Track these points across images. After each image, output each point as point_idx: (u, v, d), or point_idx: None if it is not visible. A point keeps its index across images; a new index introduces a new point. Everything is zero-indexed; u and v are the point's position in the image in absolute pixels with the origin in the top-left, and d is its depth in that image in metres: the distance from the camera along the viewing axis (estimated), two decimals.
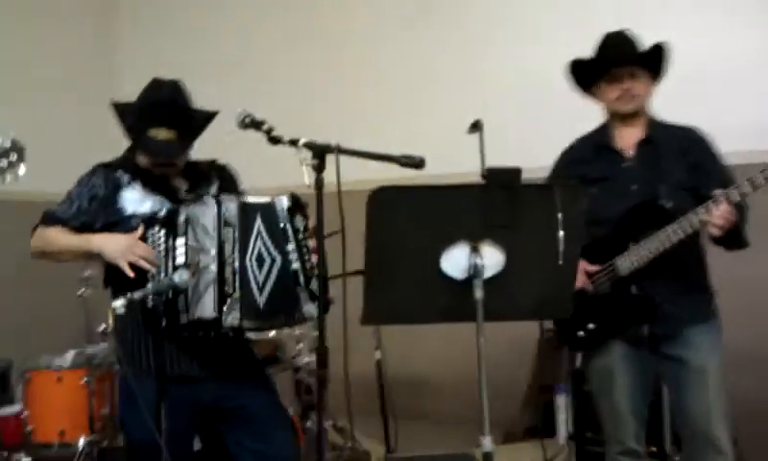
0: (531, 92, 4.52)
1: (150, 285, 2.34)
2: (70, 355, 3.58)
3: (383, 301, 2.16)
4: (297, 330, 3.86)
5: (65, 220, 2.55)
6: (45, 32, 5.25)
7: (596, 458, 3.53)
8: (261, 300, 2.45)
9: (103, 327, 3.64)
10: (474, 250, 2.14)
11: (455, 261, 2.15)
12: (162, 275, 2.40)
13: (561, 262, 2.12)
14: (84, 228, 2.55)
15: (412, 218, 2.12)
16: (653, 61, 2.87)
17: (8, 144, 2.33)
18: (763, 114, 3.76)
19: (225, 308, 2.41)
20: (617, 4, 4.25)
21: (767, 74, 3.89)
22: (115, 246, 2.46)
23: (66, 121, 5.23)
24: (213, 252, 2.44)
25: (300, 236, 2.50)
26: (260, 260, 2.46)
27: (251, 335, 2.80)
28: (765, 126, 3.69)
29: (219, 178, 2.74)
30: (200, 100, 2.66)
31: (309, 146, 2.21)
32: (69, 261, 2.65)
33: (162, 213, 2.48)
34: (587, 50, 2.90)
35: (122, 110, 2.60)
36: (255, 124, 2.39)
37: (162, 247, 2.44)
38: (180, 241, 2.44)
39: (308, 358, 3.90)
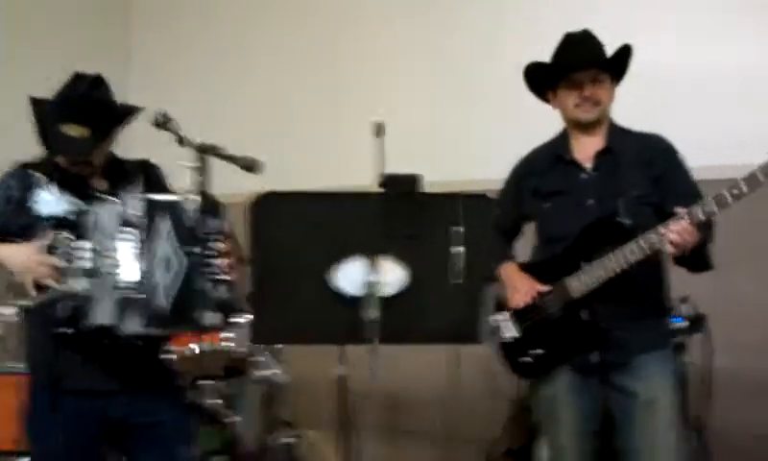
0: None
1: (45, 294, 2.23)
2: None
3: (274, 319, 2.00)
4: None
5: None
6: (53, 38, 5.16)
7: None
8: (167, 305, 2.31)
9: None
10: (372, 265, 1.96)
11: (351, 277, 1.97)
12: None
13: (461, 281, 1.91)
14: (1, 231, 2.43)
15: (300, 228, 1.95)
16: (617, 65, 2.64)
17: None
18: (736, 126, 3.44)
19: (125, 315, 2.27)
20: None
21: (742, 86, 3.56)
22: (17, 260, 2.33)
23: None
24: (114, 254, 2.30)
25: (210, 239, 2.35)
26: (167, 263, 2.32)
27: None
28: (738, 139, 3.36)
29: (145, 177, 2.60)
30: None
31: (201, 148, 2.07)
32: None
33: (71, 216, 2.35)
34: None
35: (39, 106, 2.48)
36: (166, 125, 2.31)
37: (70, 251, 2.32)
38: (87, 245, 2.31)
39: (273, 370, 3.74)
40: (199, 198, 2.38)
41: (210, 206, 2.38)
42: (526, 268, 2.73)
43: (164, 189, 2.61)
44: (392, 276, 1.98)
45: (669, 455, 2.51)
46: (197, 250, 2.33)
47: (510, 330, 2.72)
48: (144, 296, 2.29)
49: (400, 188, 1.90)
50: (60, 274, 2.28)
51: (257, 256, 1.93)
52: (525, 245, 2.84)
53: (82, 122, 2.37)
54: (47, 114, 2.43)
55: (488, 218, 1.95)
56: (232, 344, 3.58)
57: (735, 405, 3.44)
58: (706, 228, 2.44)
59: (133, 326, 2.29)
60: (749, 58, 3.58)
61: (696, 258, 2.48)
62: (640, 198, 2.55)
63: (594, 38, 2.64)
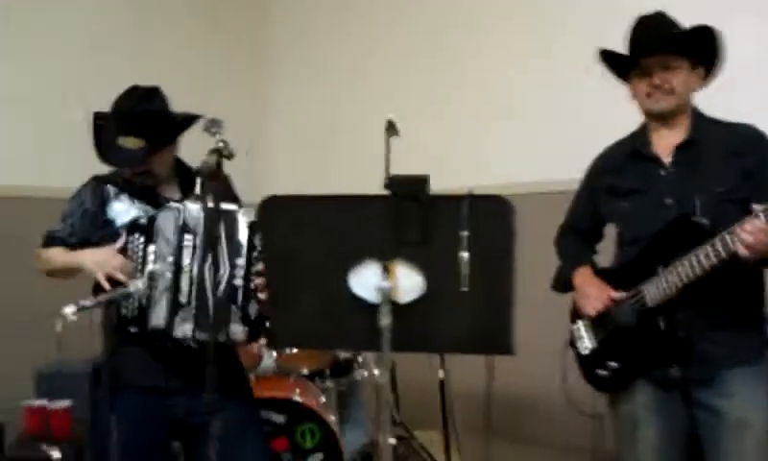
0: None
1: (104, 295, 2.36)
2: None
3: (290, 323, 1.98)
4: None
5: (63, 239, 2.59)
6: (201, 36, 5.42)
7: None
8: (212, 310, 2.37)
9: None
10: (386, 270, 1.89)
11: (366, 282, 1.91)
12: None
13: (467, 288, 1.80)
14: (82, 244, 2.57)
15: (312, 231, 1.91)
16: (694, 48, 2.35)
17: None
18: None
19: (177, 319, 2.36)
20: None
21: None
22: (93, 259, 2.47)
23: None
24: (170, 259, 2.40)
25: (254, 254, 2.39)
26: (216, 268, 2.38)
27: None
28: None
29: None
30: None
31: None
32: (74, 277, 2.72)
33: (141, 220, 2.48)
34: None
35: (100, 120, 2.59)
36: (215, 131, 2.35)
37: (141, 254, 2.45)
38: (152, 248, 2.43)
39: (376, 370, 3.74)
40: (254, 211, 2.41)
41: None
42: (602, 273, 2.52)
43: (229, 197, 2.66)
44: (407, 282, 1.89)
45: None
46: (241, 262, 2.39)
47: (586, 341, 2.53)
48: (197, 302, 2.38)
49: (406, 190, 1.82)
50: (129, 274, 2.41)
51: (270, 260, 1.92)
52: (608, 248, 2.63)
53: (136, 134, 2.48)
54: (107, 129, 2.55)
55: (504, 220, 1.80)
56: None
57: None
58: None
59: (184, 331, 2.38)
60: None
61: None
62: (725, 194, 2.27)
63: (667, 20, 2.38)
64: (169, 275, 2.39)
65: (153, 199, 2.59)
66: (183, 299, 2.38)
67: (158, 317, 2.38)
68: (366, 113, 3.82)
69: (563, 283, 2.63)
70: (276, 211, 1.89)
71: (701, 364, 2.28)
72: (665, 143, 2.40)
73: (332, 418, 3.50)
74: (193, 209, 2.44)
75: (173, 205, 2.48)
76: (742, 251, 2.07)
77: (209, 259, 2.38)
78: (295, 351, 3.71)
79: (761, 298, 2.38)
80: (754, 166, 2.28)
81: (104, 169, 2.62)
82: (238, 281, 2.39)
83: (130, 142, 2.48)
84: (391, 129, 1.95)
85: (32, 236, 2.66)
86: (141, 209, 2.56)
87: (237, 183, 2.69)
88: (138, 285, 2.36)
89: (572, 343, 2.59)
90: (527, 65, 4.23)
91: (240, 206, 2.52)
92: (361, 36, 5.14)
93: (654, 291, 2.32)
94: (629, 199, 2.45)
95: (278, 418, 3.41)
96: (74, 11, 4.55)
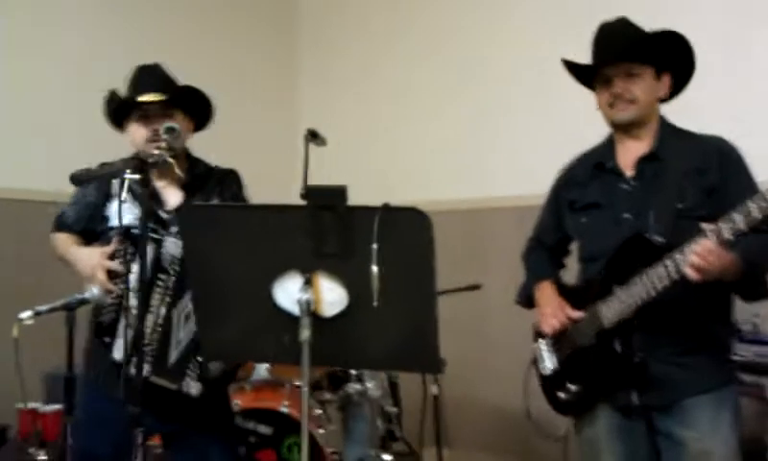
0: None
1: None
2: None
3: (219, 335, 1.97)
4: None
5: (69, 225, 2.60)
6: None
7: None
8: (172, 358, 2.33)
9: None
10: (308, 282, 1.86)
11: (290, 294, 1.89)
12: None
13: (378, 303, 1.75)
14: (85, 233, 2.58)
15: (234, 241, 1.90)
16: (658, 55, 2.25)
17: None
18: None
19: (133, 357, 2.19)
20: None
21: None
22: (84, 264, 2.46)
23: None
24: (138, 294, 2.21)
25: None
26: (188, 317, 2.33)
27: None
28: None
29: (220, 190, 2.56)
30: None
31: None
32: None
33: (135, 230, 2.35)
34: None
35: (111, 97, 2.57)
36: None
37: (125, 267, 2.36)
38: (135, 267, 2.25)
39: (368, 384, 3.69)
40: None
41: None
42: (564, 291, 2.44)
43: (240, 197, 2.59)
44: (331, 295, 1.86)
45: None
46: None
47: (546, 361, 2.45)
48: (157, 344, 2.32)
49: (323, 201, 1.78)
50: (114, 281, 2.37)
51: (192, 270, 1.91)
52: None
53: (155, 89, 2.48)
54: (122, 100, 2.53)
55: (421, 233, 1.75)
56: None
57: None
58: (758, 249, 2.01)
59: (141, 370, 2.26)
60: None
61: (746, 284, 2.05)
62: (685, 211, 2.15)
63: (630, 26, 2.28)
64: (134, 311, 2.22)
65: (155, 203, 2.45)
66: (143, 339, 2.21)
67: (119, 350, 2.32)
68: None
69: (526, 298, 2.55)
70: (195, 221, 1.88)
71: (660, 390, 2.17)
72: (630, 155, 2.30)
73: (320, 431, 3.45)
74: (170, 246, 2.36)
75: (157, 235, 2.38)
76: (690, 273, 1.97)
77: (182, 303, 2.33)
78: None
79: (728, 320, 2.26)
80: (716, 183, 2.17)
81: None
82: None
83: (149, 96, 2.47)
84: (312, 138, 1.92)
85: None
86: (137, 218, 2.31)
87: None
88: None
89: (535, 362, 2.51)
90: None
91: None
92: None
93: (609, 311, 2.22)
94: (587, 214, 2.36)
95: (265, 429, 3.39)
96: None
